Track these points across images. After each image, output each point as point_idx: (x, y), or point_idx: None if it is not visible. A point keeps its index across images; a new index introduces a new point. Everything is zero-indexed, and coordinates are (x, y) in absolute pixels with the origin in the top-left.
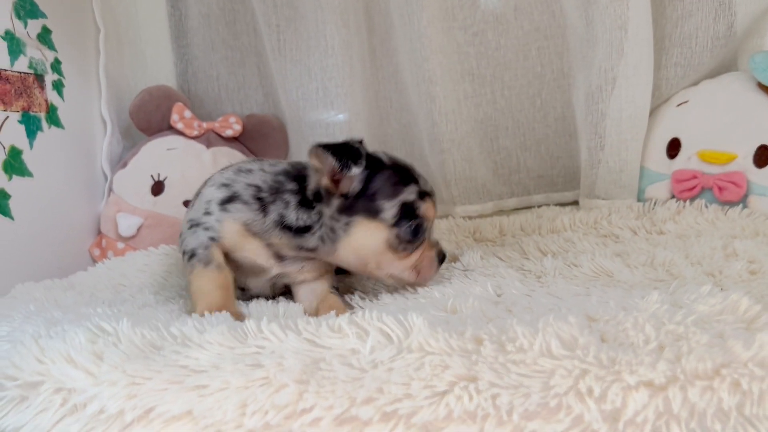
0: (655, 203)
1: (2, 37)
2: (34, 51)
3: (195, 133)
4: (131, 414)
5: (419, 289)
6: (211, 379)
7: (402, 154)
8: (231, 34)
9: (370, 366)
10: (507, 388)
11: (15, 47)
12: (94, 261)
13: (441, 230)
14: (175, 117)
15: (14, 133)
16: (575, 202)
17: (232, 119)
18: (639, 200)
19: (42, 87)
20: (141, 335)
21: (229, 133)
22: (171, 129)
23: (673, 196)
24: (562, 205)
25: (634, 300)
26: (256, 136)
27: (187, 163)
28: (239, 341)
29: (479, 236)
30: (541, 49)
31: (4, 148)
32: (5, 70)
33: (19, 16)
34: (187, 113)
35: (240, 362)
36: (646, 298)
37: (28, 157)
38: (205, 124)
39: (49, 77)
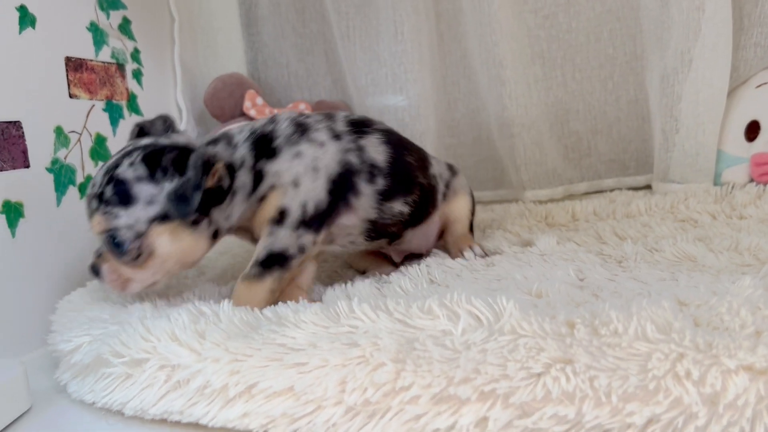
0: (733, 187)
1: (87, 29)
2: (115, 41)
3: None
4: (234, 389)
5: (499, 271)
6: (309, 357)
7: (470, 139)
8: (300, 22)
9: (463, 347)
10: (604, 370)
11: (99, 38)
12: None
13: (512, 215)
14: (247, 104)
15: (99, 121)
16: (647, 187)
17: (302, 106)
18: (715, 184)
19: (123, 76)
20: (239, 316)
21: None
22: (243, 115)
23: (751, 180)
24: (634, 189)
25: (725, 285)
26: None
27: None
28: (332, 321)
29: (551, 221)
30: (613, 31)
31: (91, 135)
32: (90, 60)
33: (102, 8)
34: (259, 100)
35: (336, 341)
36: (737, 283)
37: (111, 144)
38: (276, 111)
39: (129, 66)
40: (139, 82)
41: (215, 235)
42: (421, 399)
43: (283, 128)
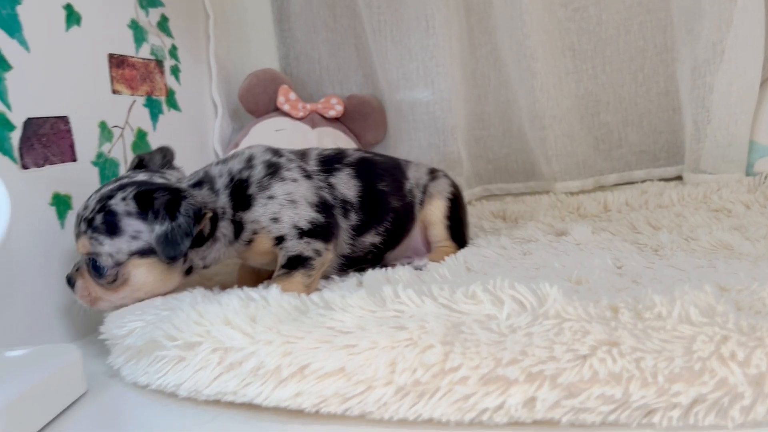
0: (766, 177)
1: (128, 26)
2: (154, 38)
3: (300, 114)
4: (287, 370)
5: (536, 260)
6: (358, 339)
7: (500, 131)
8: (331, 17)
9: (509, 330)
10: (650, 352)
11: (139, 35)
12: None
13: (543, 206)
14: (281, 99)
15: (140, 116)
16: (678, 178)
17: (334, 100)
18: (747, 174)
19: (162, 72)
20: (287, 301)
21: (332, 113)
22: (277, 111)
23: None
24: (665, 180)
25: (765, 271)
26: (357, 117)
27: (294, 143)
28: (378, 306)
29: (583, 212)
30: (643, 24)
31: (132, 130)
32: (131, 57)
33: (141, 6)
34: (292, 95)
35: (383, 324)
36: None
37: (152, 139)
38: (308, 106)
39: (168, 63)
40: (177, 78)
41: (188, 272)
42: (469, 380)
43: (257, 172)
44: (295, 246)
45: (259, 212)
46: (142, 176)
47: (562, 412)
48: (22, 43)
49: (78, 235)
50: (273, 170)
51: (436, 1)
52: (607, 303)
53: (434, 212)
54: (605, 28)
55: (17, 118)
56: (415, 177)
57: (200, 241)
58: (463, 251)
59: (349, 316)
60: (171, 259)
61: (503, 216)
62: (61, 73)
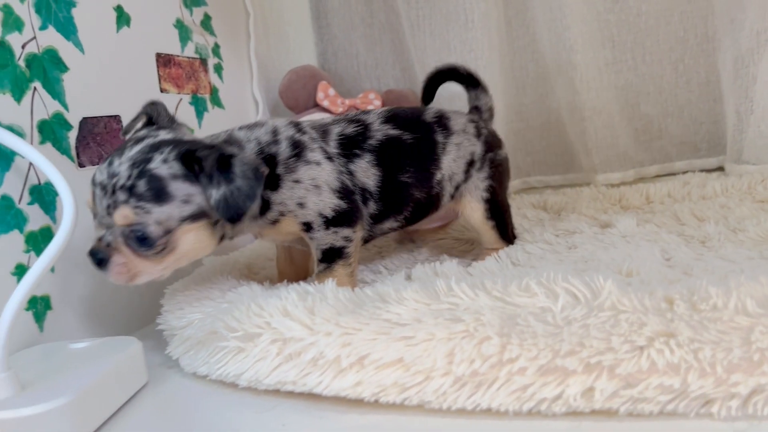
0: None
1: (174, 25)
2: (198, 37)
3: (340, 109)
4: (347, 360)
5: (583, 253)
6: (415, 331)
7: (539, 123)
8: (368, 13)
9: (565, 322)
10: (707, 343)
11: (184, 34)
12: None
13: (585, 198)
14: (320, 95)
15: (186, 114)
16: (719, 169)
17: (372, 95)
18: None
19: (206, 70)
20: (344, 294)
21: (370, 108)
22: (316, 106)
23: None
24: (706, 171)
25: None
26: None
27: None
28: (433, 299)
29: (625, 203)
30: (683, 14)
31: None
32: (177, 56)
33: (186, 5)
34: (331, 91)
35: (439, 317)
36: None
37: (197, 136)
38: (347, 101)
39: (211, 61)
40: (219, 76)
41: (221, 239)
42: (527, 370)
43: (283, 150)
44: (324, 238)
45: (286, 195)
46: (165, 134)
47: (620, 402)
48: (77, 45)
49: (114, 206)
50: (298, 150)
51: None
52: (662, 295)
53: (473, 216)
54: (645, 19)
55: (74, 118)
56: (449, 168)
57: None
58: (508, 249)
59: (405, 309)
60: (233, 221)
61: (544, 207)
62: (113, 73)
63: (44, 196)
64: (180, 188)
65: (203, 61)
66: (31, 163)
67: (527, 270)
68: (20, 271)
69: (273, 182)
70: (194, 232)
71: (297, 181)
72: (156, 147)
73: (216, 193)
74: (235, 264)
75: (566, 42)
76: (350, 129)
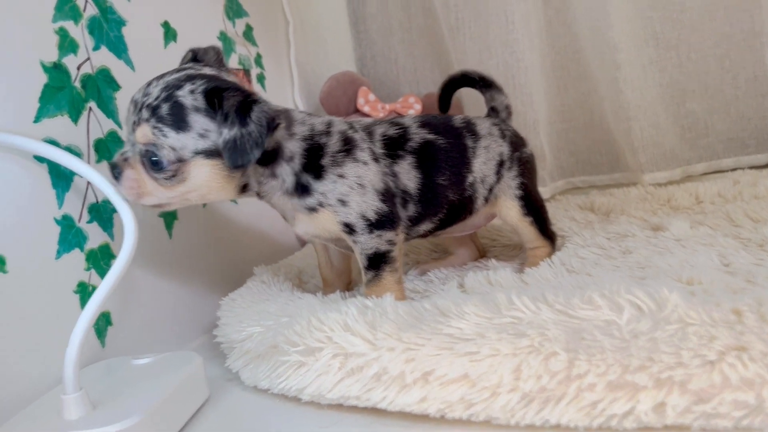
0: None
1: (218, 38)
2: (241, 48)
3: (381, 114)
4: (411, 376)
5: (638, 259)
6: (479, 346)
7: (582, 123)
8: (406, 17)
9: (631, 336)
10: None
11: (228, 46)
12: (296, 235)
13: (632, 199)
14: (360, 100)
15: None
16: None
17: (412, 99)
18: None
19: (249, 81)
20: (403, 308)
21: (411, 112)
22: (357, 112)
23: None
24: (756, 168)
25: None
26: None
27: None
28: (494, 312)
29: (675, 204)
30: (728, 9)
31: None
32: None
33: (228, 17)
34: (371, 96)
35: (503, 332)
36: None
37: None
38: (387, 106)
39: (254, 71)
40: (263, 85)
41: (243, 189)
42: (597, 386)
43: (333, 143)
44: (368, 242)
45: (328, 187)
46: (209, 70)
47: (692, 418)
48: (128, 63)
49: (137, 123)
50: (348, 147)
51: None
52: (729, 306)
53: (510, 214)
54: (689, 15)
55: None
56: (481, 170)
57: (266, 159)
58: (559, 253)
59: (466, 324)
60: (237, 167)
61: (591, 208)
62: None
63: (102, 213)
64: (199, 121)
65: (247, 72)
66: (89, 182)
67: (583, 278)
68: (82, 288)
69: (316, 171)
70: (207, 168)
71: (341, 176)
72: (191, 78)
73: (227, 133)
74: (288, 271)
75: (609, 41)
76: (392, 131)
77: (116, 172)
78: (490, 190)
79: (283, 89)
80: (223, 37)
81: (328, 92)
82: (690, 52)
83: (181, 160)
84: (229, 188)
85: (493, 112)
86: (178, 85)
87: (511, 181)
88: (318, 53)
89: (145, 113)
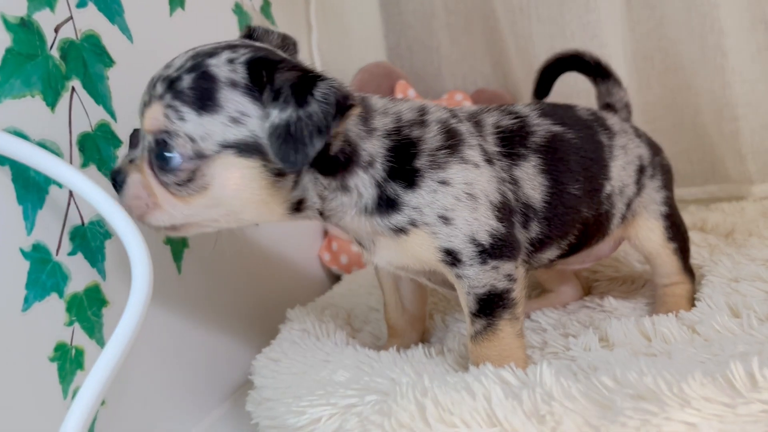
0: None
1: (233, 11)
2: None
3: None
4: None
5: None
6: None
7: (668, 125)
8: None
9: None
10: None
11: (243, 21)
12: (324, 265)
13: (752, 216)
14: (399, 97)
15: None
16: None
17: (459, 96)
18: None
19: None
20: (574, 387)
21: None
22: None
23: None
24: None
25: None
26: None
27: None
28: (732, 395)
29: None
30: None
31: None
32: None
33: None
34: (411, 92)
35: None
36: None
37: None
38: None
39: None
40: None
41: (298, 207)
42: None
43: (431, 137)
44: (480, 277)
45: (426, 199)
46: (262, 45)
47: None
48: (124, 30)
49: (147, 103)
50: (453, 142)
51: None
52: None
53: (650, 238)
54: None
55: (123, 130)
56: (620, 177)
57: (331, 167)
58: (707, 289)
59: (698, 415)
60: (290, 165)
61: (702, 228)
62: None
63: (89, 241)
64: (233, 100)
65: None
66: (71, 195)
67: None
68: (62, 354)
69: (408, 177)
70: (239, 173)
71: (445, 183)
72: (233, 46)
73: (277, 115)
74: (334, 314)
75: (714, 23)
76: (507, 121)
77: (119, 180)
78: (629, 206)
79: None
80: (239, 10)
81: (359, 87)
82: None
83: (201, 156)
84: (275, 204)
85: (608, 109)
86: (211, 53)
87: (655, 194)
88: (341, 40)
89: (159, 88)
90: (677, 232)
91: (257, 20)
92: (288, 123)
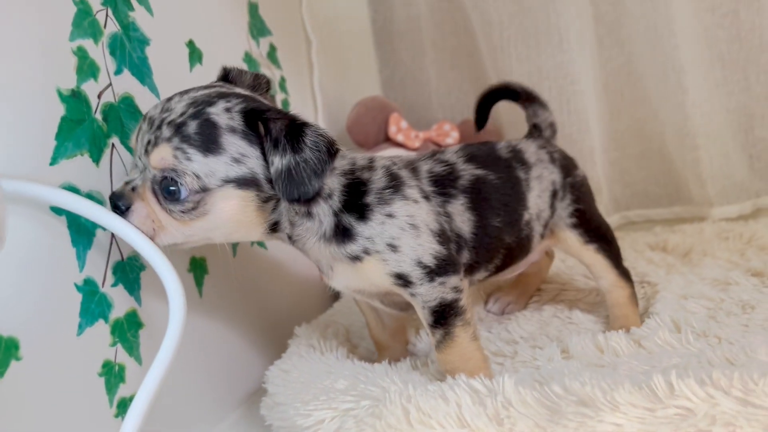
0: None
1: (243, 60)
2: (266, 71)
3: (416, 144)
4: None
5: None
6: None
7: (637, 151)
8: (439, 36)
9: None
10: None
11: (252, 68)
12: (325, 284)
13: (708, 237)
14: (393, 128)
15: None
16: None
17: (447, 126)
18: None
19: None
20: (530, 395)
21: (448, 141)
22: (388, 141)
23: None
24: None
25: None
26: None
27: None
28: (652, 401)
29: (761, 243)
30: None
31: None
32: None
33: (252, 36)
34: (404, 123)
35: (678, 429)
36: None
37: None
38: (421, 134)
39: (279, 96)
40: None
41: (273, 228)
42: None
43: (377, 179)
44: (430, 292)
45: (376, 230)
46: (241, 90)
47: None
48: (153, 89)
49: (154, 143)
50: (395, 183)
51: (569, 11)
52: None
53: (569, 244)
54: (759, 34)
55: None
56: (536, 205)
57: None
58: (659, 306)
59: (624, 418)
60: (294, 202)
61: (664, 248)
62: None
63: (128, 273)
64: (234, 144)
65: (272, 98)
66: (112, 236)
67: (726, 346)
68: (108, 370)
69: (360, 210)
70: (236, 201)
71: (391, 216)
72: (224, 95)
73: (280, 162)
74: (335, 331)
75: (675, 62)
76: (438, 168)
77: (121, 205)
78: (545, 226)
79: (306, 114)
80: (248, 58)
81: (356, 119)
82: (759, 74)
83: (205, 190)
84: (259, 227)
85: (535, 129)
86: (209, 101)
87: (563, 212)
88: (339, 75)
89: (167, 131)
90: (595, 235)
91: (264, 66)
92: (289, 168)
